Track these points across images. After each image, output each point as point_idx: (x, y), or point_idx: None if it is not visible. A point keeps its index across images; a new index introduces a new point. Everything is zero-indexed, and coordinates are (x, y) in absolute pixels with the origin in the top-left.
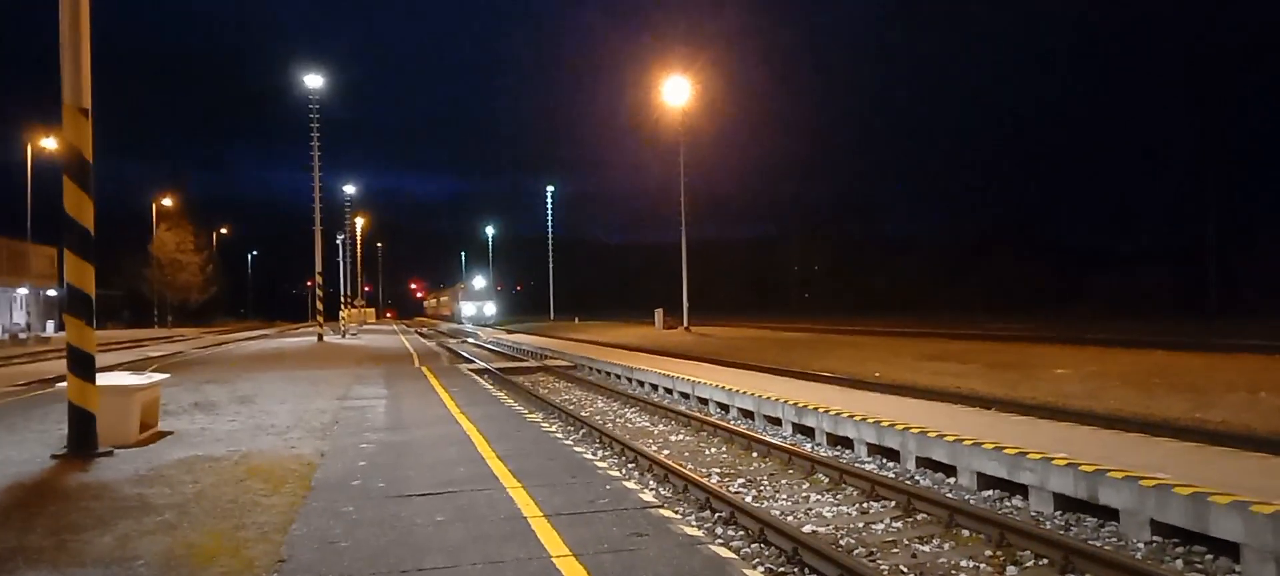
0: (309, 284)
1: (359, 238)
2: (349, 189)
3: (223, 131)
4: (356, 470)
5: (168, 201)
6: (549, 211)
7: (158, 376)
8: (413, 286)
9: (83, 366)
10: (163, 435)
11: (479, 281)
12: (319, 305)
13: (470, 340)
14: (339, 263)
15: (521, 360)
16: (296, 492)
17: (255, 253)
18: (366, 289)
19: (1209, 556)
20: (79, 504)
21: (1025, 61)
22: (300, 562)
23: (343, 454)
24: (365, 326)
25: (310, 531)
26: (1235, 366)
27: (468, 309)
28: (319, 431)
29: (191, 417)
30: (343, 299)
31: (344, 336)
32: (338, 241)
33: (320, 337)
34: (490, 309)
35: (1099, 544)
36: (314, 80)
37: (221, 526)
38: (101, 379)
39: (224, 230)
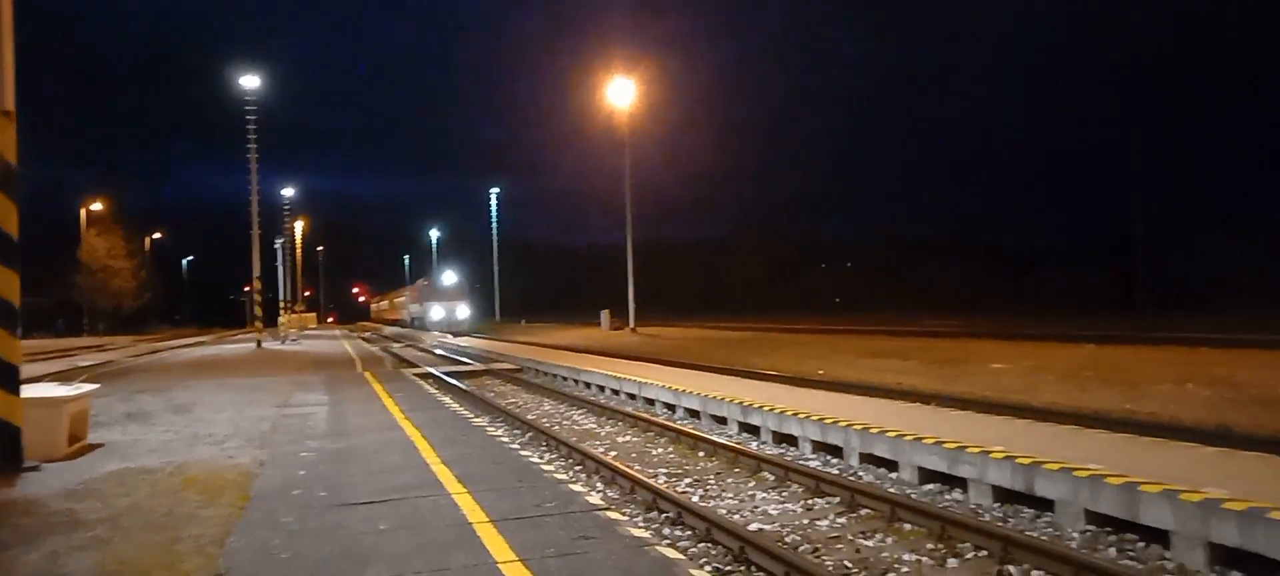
0: (247, 289)
1: (299, 241)
2: (288, 191)
3: (157, 135)
4: (297, 479)
5: (98, 206)
6: (494, 213)
7: (87, 387)
8: (355, 290)
9: (7, 377)
10: (93, 447)
11: (449, 277)
12: (257, 310)
13: (414, 345)
14: (278, 267)
15: (467, 364)
16: (235, 503)
17: (191, 258)
18: (307, 293)
19: (1141, 544)
20: (4, 520)
21: (963, 70)
22: (239, 575)
23: (283, 462)
24: (306, 331)
25: (249, 543)
26: (1162, 359)
27: (435, 311)
28: (258, 440)
29: (124, 428)
30: (282, 304)
31: (284, 342)
32: (276, 245)
33: (259, 344)
34: (463, 311)
35: (1036, 534)
36: (251, 80)
37: (156, 540)
38: (27, 390)
39: (158, 235)
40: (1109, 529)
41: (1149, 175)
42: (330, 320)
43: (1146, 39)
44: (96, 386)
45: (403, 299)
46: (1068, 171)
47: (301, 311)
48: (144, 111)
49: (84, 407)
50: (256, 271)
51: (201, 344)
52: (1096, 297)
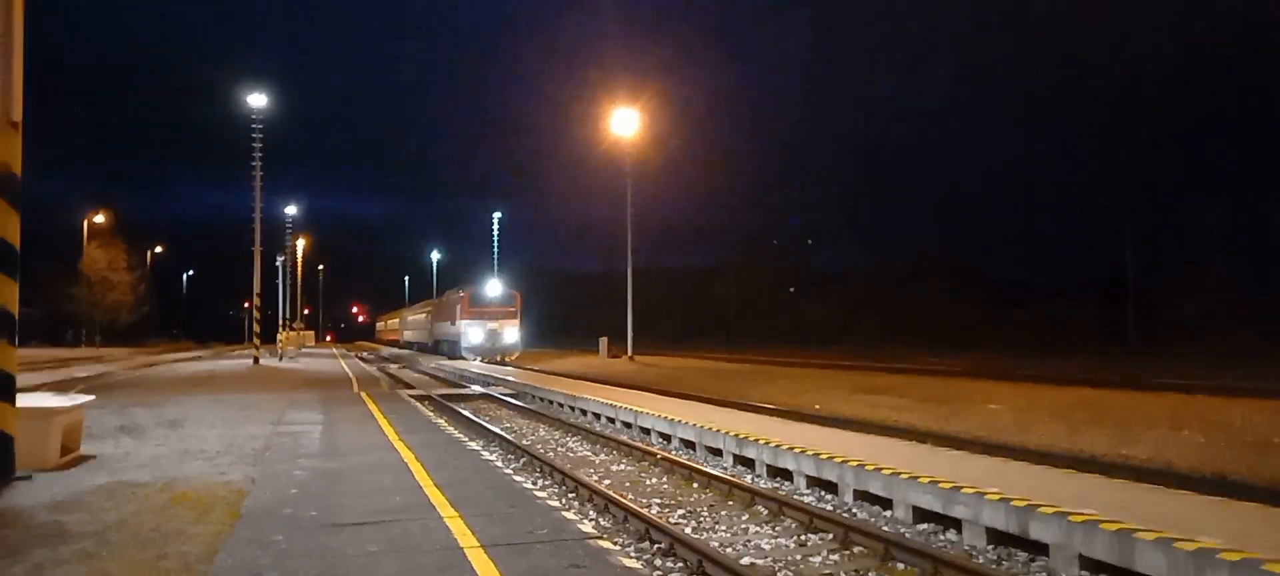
0: (246, 305)
1: (299, 259)
2: (290, 210)
3: (160, 151)
4: (288, 498)
5: (99, 218)
6: (495, 237)
7: (81, 398)
8: (354, 309)
9: (2, 387)
10: (85, 459)
11: (493, 287)
12: (256, 327)
13: (411, 367)
14: (278, 284)
15: (463, 387)
16: (224, 521)
17: (190, 272)
18: (306, 311)
19: None
20: None
21: (954, 102)
22: None
23: (274, 481)
24: (304, 350)
25: (236, 562)
26: (1156, 403)
27: (473, 332)
28: (250, 457)
29: (116, 441)
30: (281, 321)
31: (281, 360)
32: (277, 263)
33: (256, 360)
34: (511, 334)
35: None
36: (257, 99)
37: (142, 556)
38: (21, 400)
39: (158, 249)
40: (1103, 575)
41: (1139, 209)
42: (329, 339)
43: (1134, 72)
44: (91, 398)
45: (422, 316)
46: (1059, 204)
47: (300, 329)
48: (148, 127)
49: (77, 419)
50: (257, 288)
51: (198, 359)
52: (1088, 333)
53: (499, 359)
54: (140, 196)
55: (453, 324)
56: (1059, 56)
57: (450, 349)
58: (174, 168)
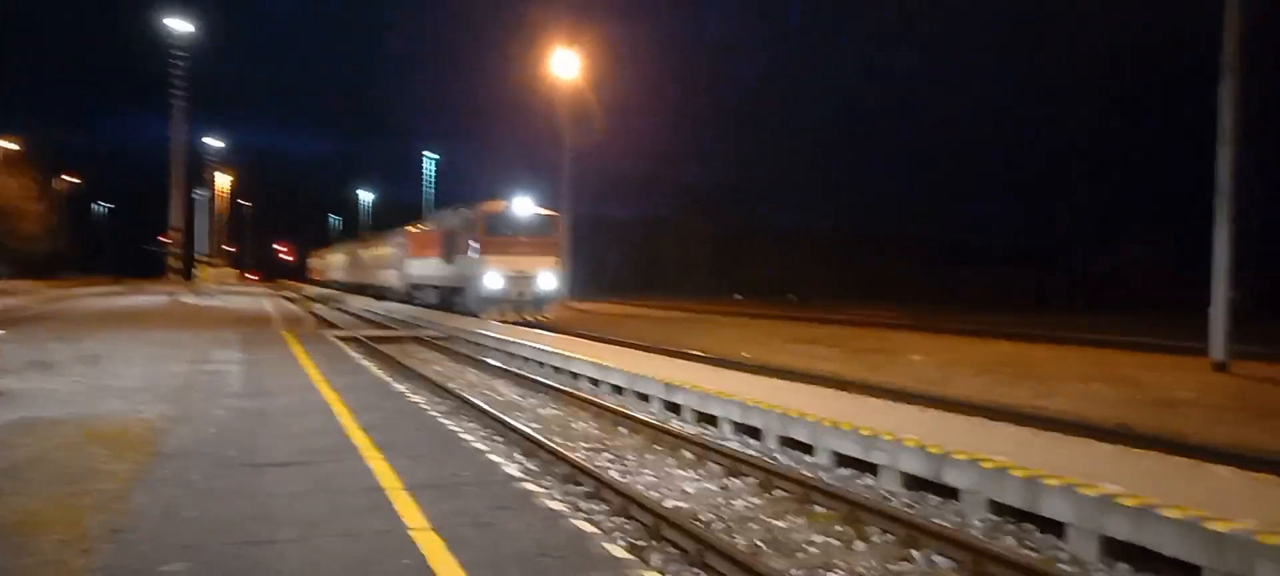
0: (163, 239)
1: (223, 193)
2: (213, 142)
3: (77, 78)
4: (208, 437)
5: (10, 145)
6: (430, 178)
7: None
8: (278, 247)
9: None
10: None
11: (522, 205)
12: (174, 262)
13: (338, 306)
14: (197, 219)
15: (391, 329)
16: (141, 460)
17: (107, 205)
18: (233, 250)
19: (1039, 534)
20: None
21: (901, 67)
22: (141, 532)
23: (194, 420)
24: (225, 287)
25: (154, 500)
26: (1074, 358)
27: (490, 276)
28: (169, 396)
29: (28, 377)
30: (200, 257)
31: (201, 297)
32: (196, 195)
33: (175, 297)
34: (549, 279)
35: (940, 521)
36: (180, 24)
37: (57, 493)
38: None
39: (74, 180)
40: (1010, 518)
41: (1082, 180)
42: (254, 277)
43: (1077, 51)
44: (1, 332)
45: (388, 251)
46: (1003, 171)
47: (222, 266)
48: (65, 54)
49: None
50: (174, 220)
51: (115, 294)
52: (1024, 295)
53: (528, 316)
54: (56, 126)
55: (451, 261)
56: (999, 24)
57: (445, 298)
58: (93, 97)
